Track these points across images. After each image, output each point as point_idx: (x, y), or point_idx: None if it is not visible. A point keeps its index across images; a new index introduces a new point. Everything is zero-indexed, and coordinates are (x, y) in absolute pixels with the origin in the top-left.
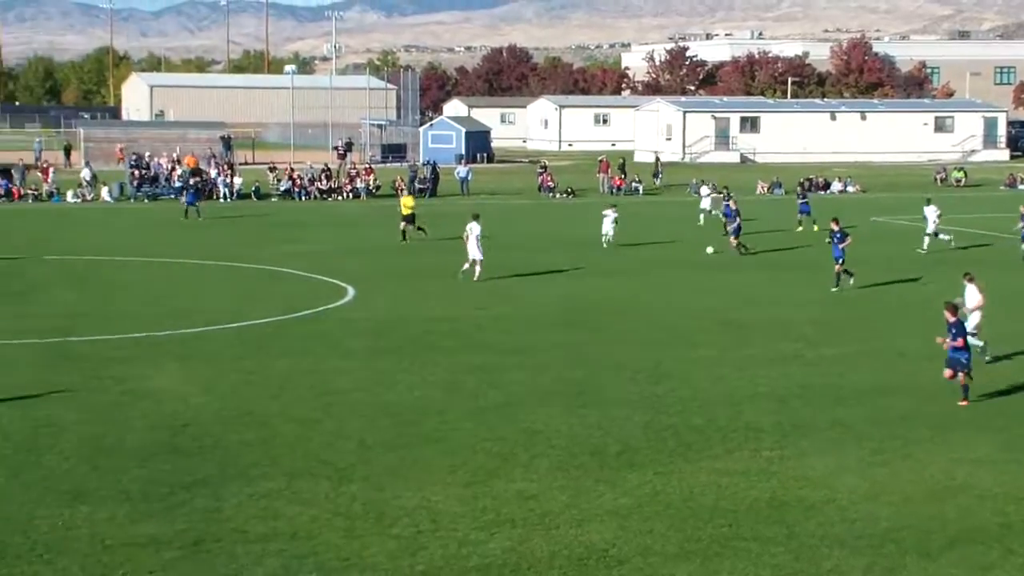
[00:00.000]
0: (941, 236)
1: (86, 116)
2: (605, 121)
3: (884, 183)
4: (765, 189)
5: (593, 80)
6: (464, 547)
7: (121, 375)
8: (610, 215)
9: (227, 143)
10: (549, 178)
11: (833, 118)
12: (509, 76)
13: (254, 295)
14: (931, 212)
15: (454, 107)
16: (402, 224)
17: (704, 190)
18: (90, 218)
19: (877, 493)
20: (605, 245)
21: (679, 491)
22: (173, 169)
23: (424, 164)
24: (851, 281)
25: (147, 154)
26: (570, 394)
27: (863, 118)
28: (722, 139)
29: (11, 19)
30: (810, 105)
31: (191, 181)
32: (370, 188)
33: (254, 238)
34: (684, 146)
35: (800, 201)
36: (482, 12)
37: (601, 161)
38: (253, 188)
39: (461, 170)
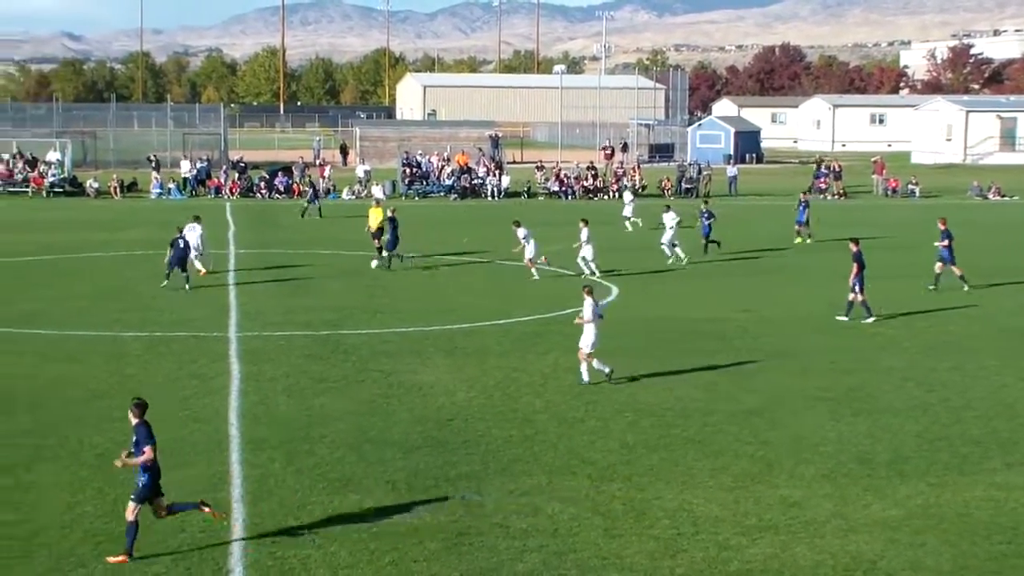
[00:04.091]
0: None
1: (362, 116)
2: (881, 121)
3: None
4: None
5: (869, 79)
6: (724, 551)
7: (389, 368)
8: (670, 218)
9: (496, 142)
10: (824, 180)
11: None
12: (781, 75)
13: (519, 293)
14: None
15: (723, 107)
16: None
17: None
18: (362, 215)
19: None
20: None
21: (953, 505)
22: (443, 167)
23: (691, 164)
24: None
25: (419, 152)
26: (838, 400)
27: None
28: (1008, 140)
29: (295, 23)
30: None
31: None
32: (636, 188)
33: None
34: (965, 147)
35: None
36: (755, 10)
37: (875, 162)
38: (525, 187)
39: (731, 170)
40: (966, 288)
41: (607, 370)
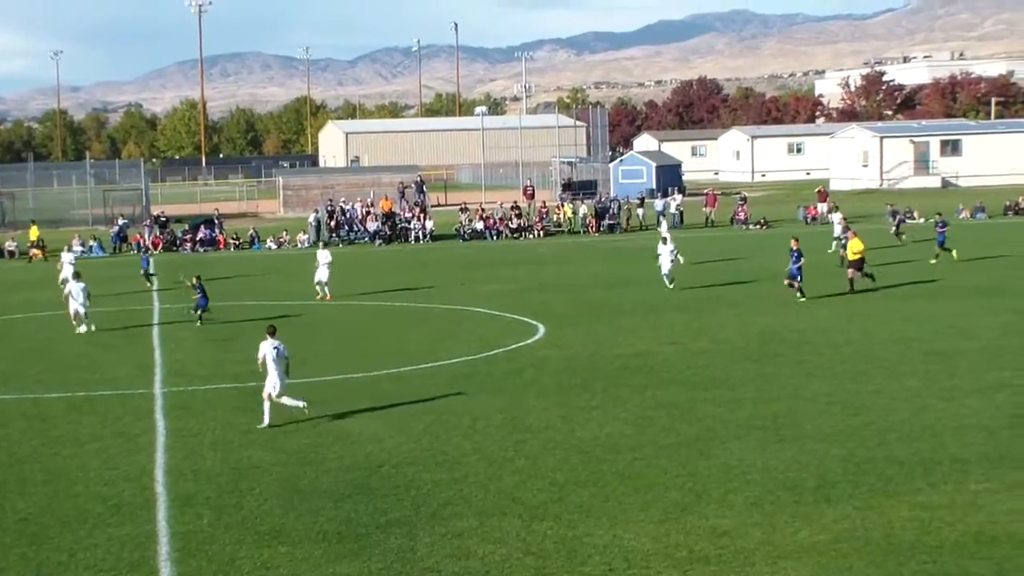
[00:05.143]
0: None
1: (285, 165)
2: (799, 150)
3: None
4: (968, 214)
5: (786, 109)
6: None
7: (317, 417)
8: (666, 248)
9: (420, 186)
10: (743, 210)
11: None
12: (700, 108)
13: (447, 335)
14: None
15: (644, 142)
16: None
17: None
18: (289, 263)
19: None
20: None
21: (879, 527)
22: (367, 213)
23: (612, 200)
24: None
25: (342, 199)
26: (766, 428)
27: None
28: (922, 164)
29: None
30: (1016, 125)
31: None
32: (558, 225)
33: (446, 278)
34: (881, 172)
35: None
36: (673, 46)
37: (819, 191)
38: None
39: (658, 203)
40: (802, 299)
41: (301, 404)
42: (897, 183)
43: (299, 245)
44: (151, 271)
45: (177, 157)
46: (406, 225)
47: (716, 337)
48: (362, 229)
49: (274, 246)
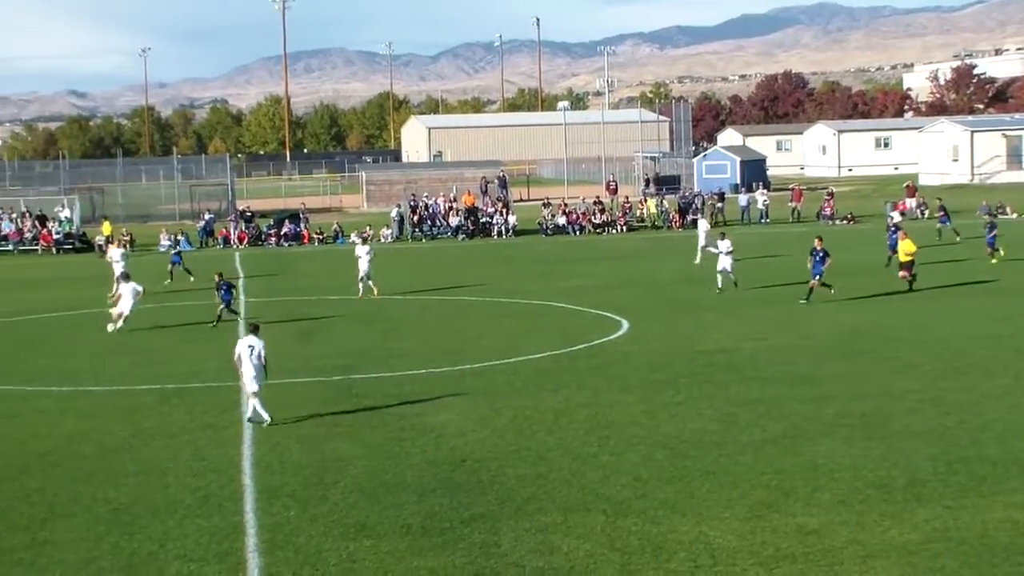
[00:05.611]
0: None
1: (368, 160)
2: (886, 144)
3: None
4: None
5: (873, 103)
6: None
7: (401, 411)
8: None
9: (502, 181)
10: (829, 205)
11: None
12: (785, 103)
13: (529, 330)
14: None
15: (728, 136)
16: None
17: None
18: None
19: None
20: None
21: (972, 527)
22: (450, 208)
23: (696, 194)
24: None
25: (425, 194)
26: (853, 426)
27: None
28: (1015, 158)
29: (299, 70)
30: None
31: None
32: (641, 220)
33: (529, 274)
34: (972, 167)
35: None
36: (757, 39)
37: (908, 186)
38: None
39: (742, 199)
40: (832, 291)
41: (265, 418)
42: (989, 178)
43: (382, 240)
44: (185, 266)
45: (262, 152)
46: (488, 220)
47: (802, 333)
48: (445, 224)
49: (358, 241)
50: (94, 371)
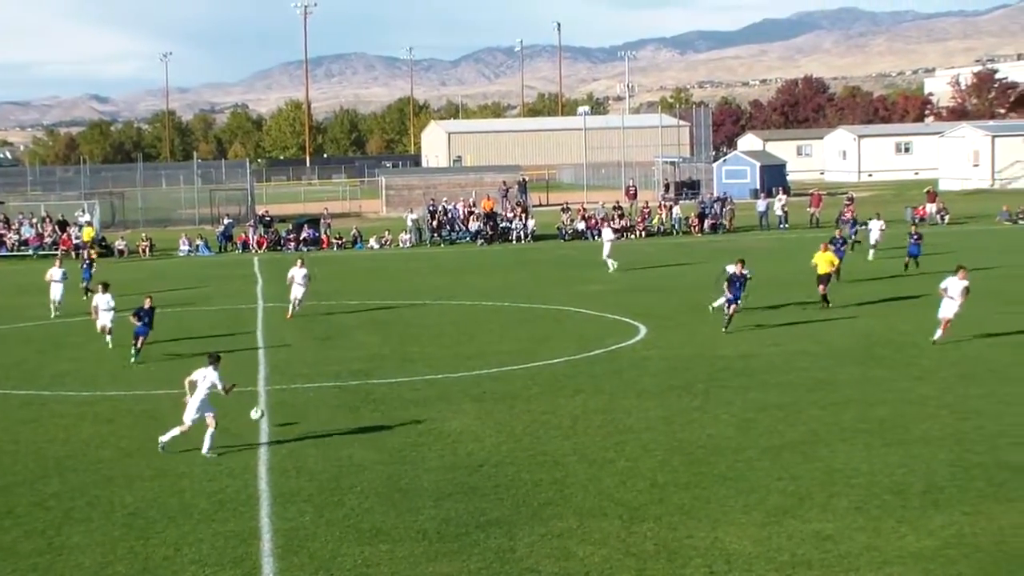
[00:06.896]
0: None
1: (388, 165)
2: (907, 149)
3: None
4: None
5: (894, 108)
6: None
7: (418, 416)
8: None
9: (522, 186)
10: (849, 210)
11: None
12: (805, 107)
13: (547, 335)
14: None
15: (748, 141)
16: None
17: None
18: (390, 262)
19: None
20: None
21: (989, 533)
22: (469, 214)
23: (716, 199)
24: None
25: (444, 199)
26: (871, 432)
27: None
28: None
29: (320, 75)
30: None
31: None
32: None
33: (547, 279)
34: (993, 172)
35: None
36: (778, 44)
37: (928, 192)
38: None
39: (760, 204)
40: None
41: (163, 440)
42: (1010, 183)
43: (401, 245)
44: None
45: (282, 157)
46: (508, 225)
47: (819, 339)
48: (464, 229)
49: (376, 246)
50: (112, 375)
